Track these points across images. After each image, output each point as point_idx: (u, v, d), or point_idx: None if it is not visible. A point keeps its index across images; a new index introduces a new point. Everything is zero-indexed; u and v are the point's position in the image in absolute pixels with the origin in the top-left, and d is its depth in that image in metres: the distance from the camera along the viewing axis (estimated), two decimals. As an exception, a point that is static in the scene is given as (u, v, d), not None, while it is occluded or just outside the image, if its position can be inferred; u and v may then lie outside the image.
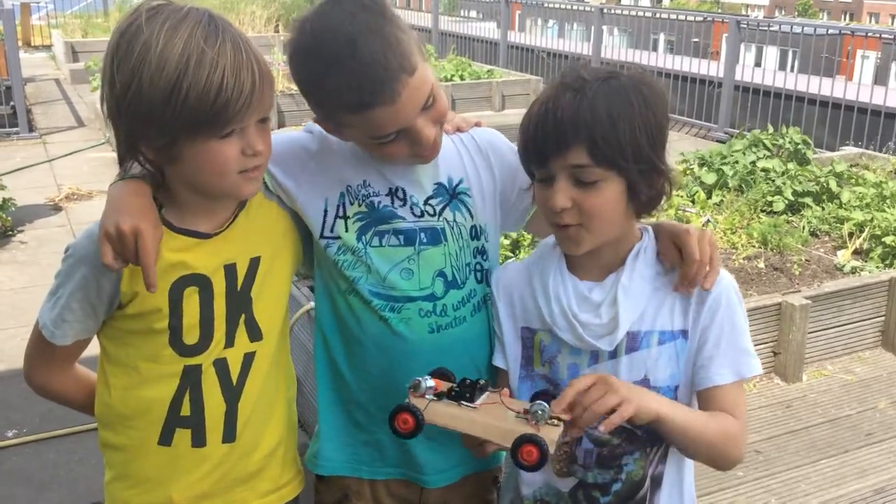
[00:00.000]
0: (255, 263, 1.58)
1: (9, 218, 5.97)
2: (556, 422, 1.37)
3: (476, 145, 1.73)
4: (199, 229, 1.53)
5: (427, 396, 1.43)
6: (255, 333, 1.59)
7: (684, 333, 1.54)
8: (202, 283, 1.52)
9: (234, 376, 1.57)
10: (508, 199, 1.73)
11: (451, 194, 1.68)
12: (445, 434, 1.62)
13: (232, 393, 1.57)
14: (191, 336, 1.53)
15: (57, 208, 6.56)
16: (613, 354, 1.53)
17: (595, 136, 1.42)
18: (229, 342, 1.56)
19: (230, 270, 1.55)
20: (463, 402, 1.42)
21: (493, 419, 1.39)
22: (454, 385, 1.45)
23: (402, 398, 1.47)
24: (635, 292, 1.53)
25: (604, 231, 1.50)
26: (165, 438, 1.55)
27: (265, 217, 1.62)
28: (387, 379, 1.67)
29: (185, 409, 1.54)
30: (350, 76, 1.44)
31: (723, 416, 1.51)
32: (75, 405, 1.69)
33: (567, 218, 1.47)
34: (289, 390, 1.73)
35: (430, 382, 1.44)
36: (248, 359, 1.58)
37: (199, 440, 1.57)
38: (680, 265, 1.53)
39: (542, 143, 1.46)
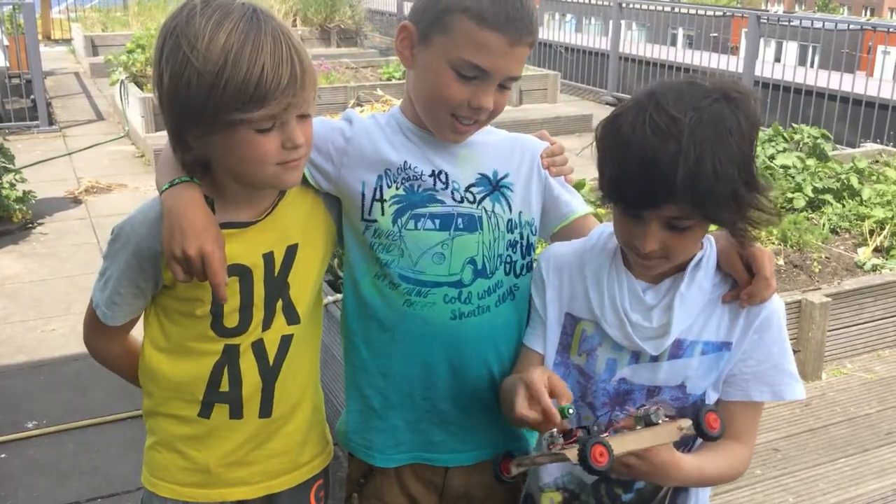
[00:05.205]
0: (291, 251, 1.63)
1: (29, 210, 6.02)
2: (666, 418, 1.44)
3: (530, 148, 1.74)
4: (238, 219, 1.57)
5: (559, 442, 1.41)
6: (292, 317, 1.64)
7: (727, 345, 1.53)
8: (242, 272, 1.57)
9: (271, 357, 1.63)
10: (545, 207, 1.74)
11: (494, 186, 1.68)
12: (462, 416, 1.63)
13: (268, 372, 1.63)
14: (231, 320, 1.59)
15: (77, 201, 6.61)
16: (655, 358, 1.53)
17: (697, 193, 1.34)
18: (267, 325, 1.62)
19: (268, 258, 1.60)
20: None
21: (646, 431, 1.42)
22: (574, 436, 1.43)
23: (420, 382, 1.59)
24: (691, 302, 1.51)
25: (683, 258, 1.50)
26: (205, 411, 1.63)
27: (301, 205, 1.66)
28: (405, 363, 1.69)
29: (224, 385, 1.62)
30: None
31: (732, 451, 1.53)
32: (126, 374, 1.75)
33: (652, 254, 1.45)
34: (318, 367, 1.79)
35: (559, 435, 1.42)
36: (286, 340, 1.64)
37: (236, 414, 1.64)
38: (745, 280, 1.50)
39: (638, 198, 1.40)
